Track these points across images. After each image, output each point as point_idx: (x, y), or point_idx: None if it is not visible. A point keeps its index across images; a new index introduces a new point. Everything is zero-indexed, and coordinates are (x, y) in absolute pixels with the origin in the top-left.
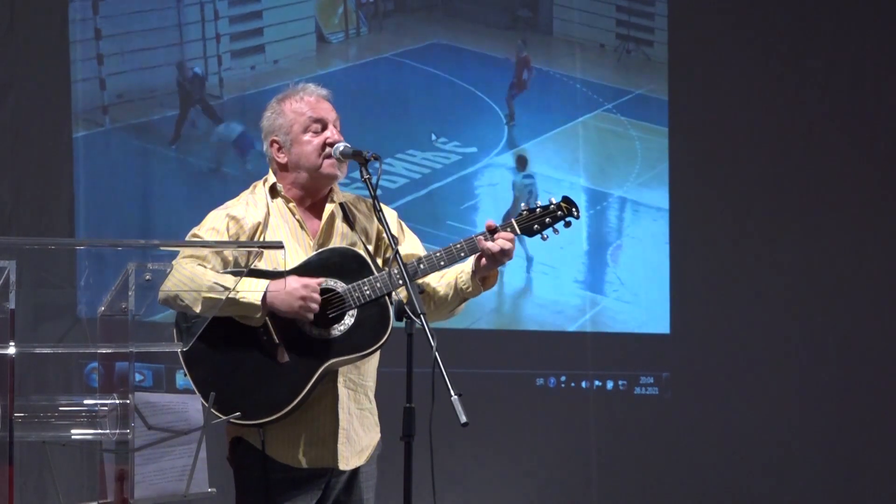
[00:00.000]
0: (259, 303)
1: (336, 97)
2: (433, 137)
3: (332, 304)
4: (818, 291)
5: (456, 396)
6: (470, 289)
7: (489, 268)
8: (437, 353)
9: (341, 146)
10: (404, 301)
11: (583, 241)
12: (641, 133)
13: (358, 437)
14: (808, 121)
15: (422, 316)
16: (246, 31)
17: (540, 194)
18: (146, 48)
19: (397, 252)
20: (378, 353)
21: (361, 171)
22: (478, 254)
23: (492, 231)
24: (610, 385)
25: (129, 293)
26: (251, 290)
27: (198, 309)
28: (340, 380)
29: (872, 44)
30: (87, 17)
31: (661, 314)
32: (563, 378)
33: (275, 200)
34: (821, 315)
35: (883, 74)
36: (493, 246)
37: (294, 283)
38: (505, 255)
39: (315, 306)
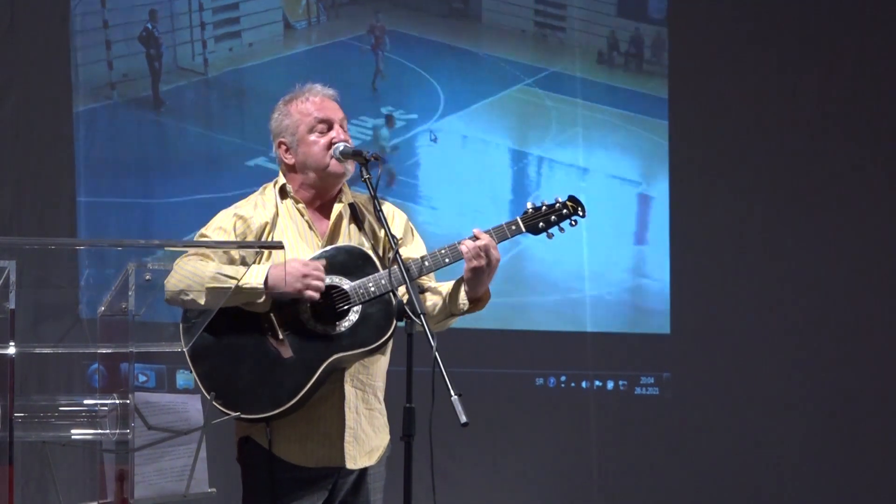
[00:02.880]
0: (261, 286)
1: (301, 75)
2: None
3: (337, 301)
4: (819, 291)
5: (456, 396)
6: (455, 305)
7: (472, 281)
8: (437, 353)
9: (341, 146)
10: (404, 301)
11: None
12: (556, 104)
13: (367, 437)
14: (809, 119)
15: (422, 316)
16: (225, 20)
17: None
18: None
19: (397, 252)
20: (388, 353)
21: (361, 171)
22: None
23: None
24: (610, 385)
25: (129, 293)
26: (253, 276)
27: (202, 301)
28: (348, 379)
29: (874, 38)
30: (95, 10)
31: (662, 314)
32: (563, 378)
33: (284, 201)
34: (822, 314)
35: (885, 67)
36: (470, 245)
37: (295, 264)
38: (484, 255)
39: (319, 284)
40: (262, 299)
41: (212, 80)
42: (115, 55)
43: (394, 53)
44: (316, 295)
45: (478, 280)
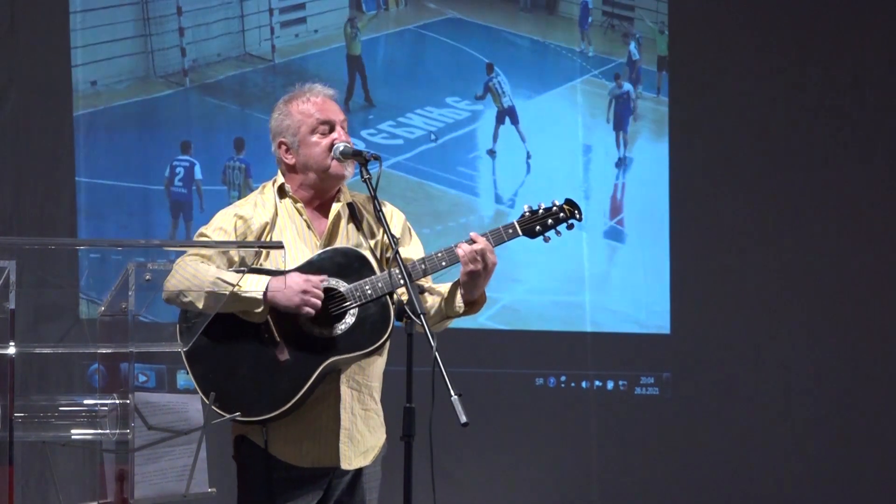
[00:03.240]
0: (260, 297)
1: (364, 63)
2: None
3: (333, 303)
4: (819, 290)
5: (456, 396)
6: (451, 307)
7: (468, 284)
8: (437, 353)
9: (341, 146)
10: (404, 301)
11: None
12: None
13: (362, 438)
14: (809, 119)
15: (422, 316)
16: (291, 6)
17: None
18: (217, 20)
19: (397, 252)
20: (384, 354)
21: (361, 172)
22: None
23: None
24: (610, 385)
25: (129, 293)
26: (253, 286)
27: (200, 305)
28: (344, 380)
29: (874, 38)
30: None
31: (662, 314)
32: (563, 378)
33: (283, 201)
34: (821, 314)
35: (886, 68)
36: (466, 249)
37: (296, 278)
38: (481, 258)
39: (316, 302)
40: (259, 309)
41: (279, 66)
42: (187, 41)
43: (459, 42)
44: (311, 311)
45: (474, 283)
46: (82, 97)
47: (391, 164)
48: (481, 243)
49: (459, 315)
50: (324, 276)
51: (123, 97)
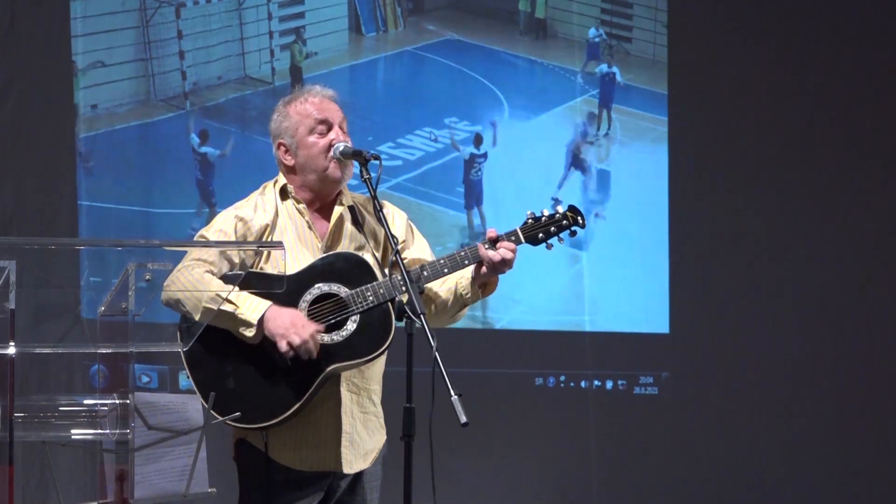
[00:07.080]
0: (254, 321)
1: (364, 84)
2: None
3: (334, 310)
4: (818, 290)
5: (456, 396)
6: (469, 295)
7: (489, 275)
8: (437, 353)
9: (341, 146)
10: (405, 301)
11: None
12: (618, 115)
13: (362, 441)
14: (808, 119)
15: (422, 316)
16: (291, 29)
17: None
18: (217, 44)
19: (397, 251)
20: (384, 357)
21: (361, 171)
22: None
23: (493, 241)
24: (609, 385)
25: (129, 293)
26: (251, 309)
27: (197, 316)
28: (343, 384)
29: (874, 38)
30: (168, 21)
31: (661, 314)
32: (562, 378)
33: (284, 202)
34: (821, 314)
35: (885, 67)
36: (494, 255)
37: (296, 315)
38: (505, 264)
39: (296, 340)
40: (252, 333)
41: (279, 88)
42: (187, 64)
43: (458, 63)
44: (287, 350)
45: (492, 277)
46: (83, 120)
47: (391, 185)
48: (509, 253)
49: (475, 301)
50: (322, 327)
51: (124, 121)
